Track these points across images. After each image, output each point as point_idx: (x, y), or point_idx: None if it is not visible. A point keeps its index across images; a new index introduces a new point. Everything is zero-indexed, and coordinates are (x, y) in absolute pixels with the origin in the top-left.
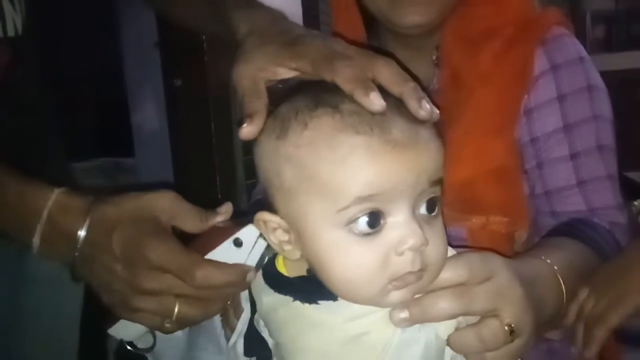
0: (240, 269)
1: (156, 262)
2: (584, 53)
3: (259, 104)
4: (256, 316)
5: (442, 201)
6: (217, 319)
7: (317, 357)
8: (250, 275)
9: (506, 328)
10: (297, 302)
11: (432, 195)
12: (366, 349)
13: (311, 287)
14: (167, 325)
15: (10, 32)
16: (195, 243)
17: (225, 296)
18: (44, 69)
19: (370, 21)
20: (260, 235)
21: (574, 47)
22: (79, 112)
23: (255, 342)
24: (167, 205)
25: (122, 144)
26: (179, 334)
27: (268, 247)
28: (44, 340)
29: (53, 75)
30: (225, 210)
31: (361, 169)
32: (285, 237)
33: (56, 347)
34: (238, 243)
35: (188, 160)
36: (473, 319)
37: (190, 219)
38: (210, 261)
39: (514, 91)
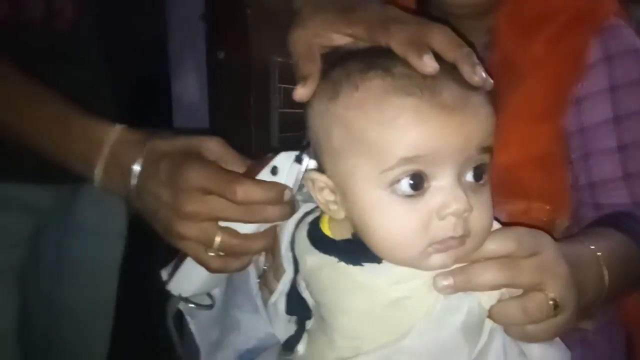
0: (279, 186)
1: (197, 182)
2: None
3: (313, 67)
4: (298, 277)
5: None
6: (254, 279)
7: (359, 318)
8: (287, 194)
9: (551, 302)
10: (342, 263)
11: (480, 162)
12: (408, 313)
13: (356, 249)
14: (210, 255)
15: None
16: None
17: (265, 234)
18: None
19: (422, 2)
20: (295, 159)
21: (630, 38)
22: (120, 80)
23: (296, 302)
24: (216, 148)
25: (162, 114)
26: (216, 292)
27: (302, 171)
28: (83, 287)
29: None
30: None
31: (407, 130)
32: (332, 197)
33: (95, 295)
34: (274, 171)
35: (226, 133)
36: (516, 293)
37: (236, 163)
38: (250, 178)
39: (566, 79)
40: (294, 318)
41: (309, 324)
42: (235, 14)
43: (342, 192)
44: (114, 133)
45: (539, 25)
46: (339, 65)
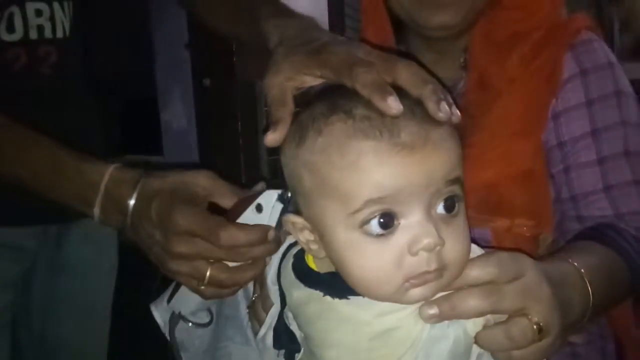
0: (261, 228)
1: (184, 226)
2: (613, 58)
3: (283, 112)
4: (285, 310)
5: (466, 202)
6: (244, 311)
7: (347, 351)
8: (271, 234)
9: (535, 327)
10: (328, 297)
11: (449, 194)
12: (395, 344)
13: (341, 283)
14: (202, 287)
15: (59, 34)
16: (226, 215)
17: (254, 264)
18: (85, 68)
19: (399, 26)
20: (278, 198)
21: (603, 52)
22: (109, 110)
23: (284, 335)
24: (206, 182)
25: (151, 142)
26: (208, 324)
27: (284, 209)
28: (76, 324)
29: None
30: (259, 189)
31: (369, 172)
32: (312, 237)
33: (88, 331)
34: (259, 208)
35: (214, 159)
36: (501, 318)
37: (226, 196)
38: (234, 223)
39: (542, 95)
40: (282, 352)
41: (298, 357)
42: (221, 41)
43: (318, 233)
44: (108, 174)
45: (513, 44)
46: (307, 108)
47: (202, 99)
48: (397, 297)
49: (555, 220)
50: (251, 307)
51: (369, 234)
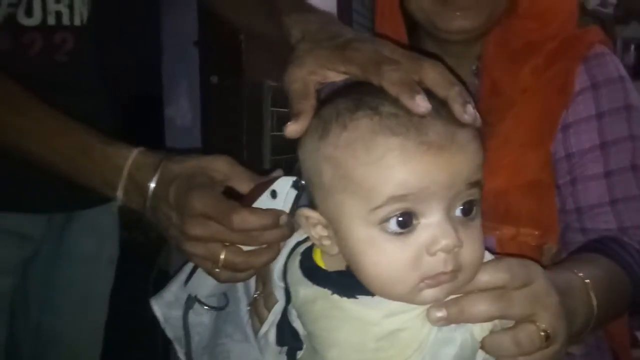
0: (273, 212)
1: (199, 208)
2: (624, 73)
3: (306, 105)
4: (289, 307)
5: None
6: (245, 308)
7: (352, 350)
8: (283, 218)
9: (542, 334)
10: (335, 296)
11: (469, 197)
12: (402, 346)
13: (350, 282)
14: (217, 270)
15: (77, 22)
16: (242, 200)
17: (268, 248)
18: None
19: (412, 28)
20: (292, 185)
21: (614, 66)
22: (113, 105)
23: (287, 332)
24: (224, 167)
25: (153, 137)
26: (205, 320)
27: (299, 196)
28: (73, 314)
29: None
30: (275, 175)
31: (394, 169)
32: (325, 233)
33: (84, 322)
34: (274, 194)
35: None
36: (508, 324)
37: (243, 181)
38: (247, 207)
39: (553, 106)
40: (284, 349)
41: (300, 355)
42: (229, 40)
43: (334, 228)
44: (131, 158)
45: (527, 54)
46: (330, 103)
47: (208, 97)
48: (410, 296)
49: (559, 231)
50: (253, 304)
51: (387, 232)
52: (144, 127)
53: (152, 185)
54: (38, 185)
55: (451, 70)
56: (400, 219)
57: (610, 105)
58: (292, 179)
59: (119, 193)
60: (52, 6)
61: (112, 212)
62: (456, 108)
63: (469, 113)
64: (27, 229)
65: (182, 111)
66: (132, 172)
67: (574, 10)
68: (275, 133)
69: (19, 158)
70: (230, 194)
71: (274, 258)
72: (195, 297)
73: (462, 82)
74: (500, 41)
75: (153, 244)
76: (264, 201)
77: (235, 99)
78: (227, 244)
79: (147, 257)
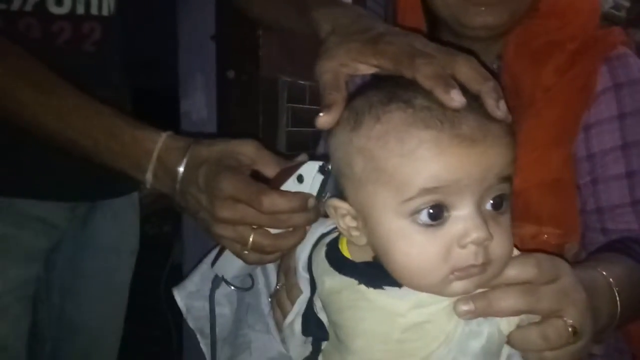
0: (302, 195)
1: (228, 191)
2: None
3: (337, 96)
4: (315, 297)
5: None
6: (266, 299)
7: (378, 341)
8: (311, 201)
9: (570, 329)
10: (362, 286)
11: (500, 192)
12: (427, 338)
13: (377, 272)
14: (246, 252)
15: (105, 11)
16: (268, 184)
17: (294, 231)
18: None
19: (433, 26)
20: (319, 170)
21: (637, 67)
22: (130, 97)
23: (313, 322)
24: (250, 151)
25: (169, 130)
26: (227, 312)
27: (325, 181)
28: (95, 303)
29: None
30: (301, 159)
31: (428, 162)
32: (354, 224)
33: (105, 311)
34: (300, 179)
35: None
36: (534, 319)
37: (269, 165)
38: (275, 190)
39: (575, 105)
40: (310, 339)
41: (325, 345)
42: (246, 35)
43: (363, 219)
44: (161, 142)
45: (549, 53)
46: (361, 95)
47: (224, 91)
48: (439, 288)
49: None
50: (274, 295)
51: (418, 223)
52: (159, 121)
53: (181, 169)
54: (64, 173)
55: (484, 66)
56: (432, 211)
57: (633, 106)
58: (319, 163)
59: (148, 176)
60: None
61: (134, 204)
62: (489, 103)
63: (501, 109)
64: (53, 217)
65: (198, 105)
66: (161, 155)
67: (596, 9)
68: (290, 129)
69: (46, 140)
70: (257, 177)
71: (300, 241)
72: (222, 277)
73: (496, 78)
74: (521, 40)
75: (167, 237)
76: (290, 185)
77: (251, 94)
78: (255, 227)
79: (161, 250)
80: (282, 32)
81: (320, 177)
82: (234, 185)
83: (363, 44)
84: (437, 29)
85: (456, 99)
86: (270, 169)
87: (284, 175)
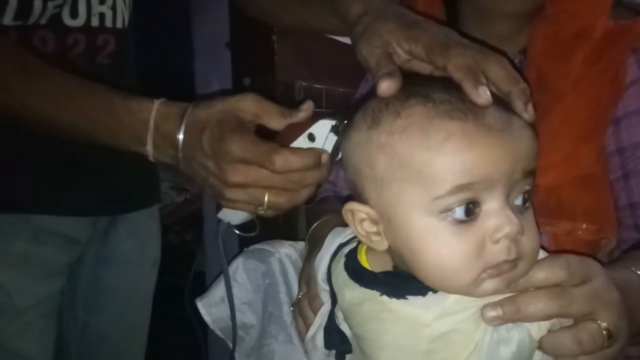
0: (315, 152)
1: (238, 154)
2: None
3: (393, 65)
4: (336, 309)
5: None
6: (288, 308)
7: (404, 353)
8: (324, 157)
9: (604, 332)
10: (384, 297)
11: (526, 187)
12: (456, 348)
13: (398, 282)
14: (261, 211)
15: (119, 24)
16: (274, 141)
17: (308, 184)
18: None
19: (452, 18)
20: (332, 129)
21: None
22: None
23: (335, 335)
24: (252, 106)
25: None
26: (254, 321)
27: (338, 142)
28: (118, 316)
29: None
30: (306, 107)
31: (459, 155)
32: (373, 228)
33: (129, 324)
34: (312, 138)
35: None
36: (566, 322)
37: (273, 116)
38: (287, 147)
39: (604, 98)
40: (333, 352)
41: (348, 357)
42: (262, 41)
43: (387, 220)
44: (155, 109)
45: (576, 45)
46: (375, 95)
47: None
48: (470, 288)
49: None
50: (296, 305)
51: (448, 221)
52: None
53: (181, 136)
54: (85, 188)
55: (516, 69)
56: (464, 208)
57: None
58: (332, 122)
59: (149, 147)
60: (96, 8)
61: (155, 216)
62: (518, 104)
63: (529, 112)
64: (75, 232)
65: None
66: (158, 123)
67: None
68: None
69: (45, 131)
70: (262, 131)
71: (311, 195)
72: (229, 223)
73: (520, 73)
74: (549, 34)
75: (189, 246)
76: (301, 143)
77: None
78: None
79: (184, 258)
80: (297, 34)
81: (334, 138)
82: (242, 147)
83: (398, 25)
84: (456, 22)
85: (483, 95)
86: (275, 122)
87: (293, 133)
